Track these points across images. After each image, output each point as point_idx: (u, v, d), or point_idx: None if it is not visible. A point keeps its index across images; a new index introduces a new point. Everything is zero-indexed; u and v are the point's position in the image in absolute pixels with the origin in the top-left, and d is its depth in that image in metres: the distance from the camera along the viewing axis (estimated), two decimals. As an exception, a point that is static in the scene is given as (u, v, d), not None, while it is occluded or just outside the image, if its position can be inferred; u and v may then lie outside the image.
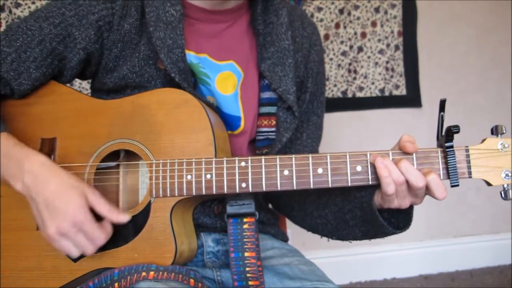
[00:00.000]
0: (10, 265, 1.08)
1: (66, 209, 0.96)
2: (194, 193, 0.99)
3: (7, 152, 1.02)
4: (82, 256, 1.02)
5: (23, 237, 1.07)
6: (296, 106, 1.15)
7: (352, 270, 2.59)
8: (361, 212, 1.03)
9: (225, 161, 0.98)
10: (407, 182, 0.92)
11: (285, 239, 1.28)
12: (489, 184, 0.94)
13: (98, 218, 0.99)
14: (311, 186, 0.96)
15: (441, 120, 0.95)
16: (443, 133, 0.93)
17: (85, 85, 2.12)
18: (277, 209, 1.30)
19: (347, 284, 2.56)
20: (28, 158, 1.01)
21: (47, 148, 1.09)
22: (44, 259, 1.05)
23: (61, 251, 0.99)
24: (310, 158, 0.96)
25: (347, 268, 2.57)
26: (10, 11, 2.08)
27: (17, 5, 2.09)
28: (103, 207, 0.99)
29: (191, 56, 1.11)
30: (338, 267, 2.51)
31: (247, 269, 1.02)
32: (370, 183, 0.95)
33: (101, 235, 0.98)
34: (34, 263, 1.06)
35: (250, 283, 1.02)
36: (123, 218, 1.00)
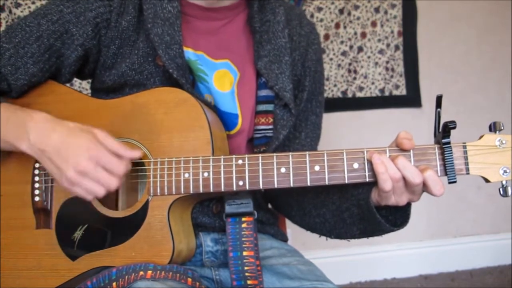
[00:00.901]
0: (10, 264, 1.08)
1: (78, 147, 0.95)
2: (191, 191, 0.99)
3: (8, 118, 1.03)
4: (80, 255, 1.02)
5: (22, 236, 1.07)
6: (293, 103, 1.15)
7: (352, 270, 2.59)
8: (359, 210, 1.03)
9: (222, 159, 0.99)
10: (404, 178, 0.92)
11: (284, 239, 1.28)
12: (487, 180, 0.93)
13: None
14: (308, 184, 0.96)
15: (438, 117, 0.94)
16: (440, 130, 0.93)
17: (85, 85, 2.12)
18: (276, 208, 1.30)
19: (347, 284, 2.56)
20: (30, 117, 1.01)
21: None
22: (43, 258, 1.06)
23: (87, 196, 0.98)
24: (307, 155, 0.96)
25: (347, 268, 2.57)
26: (10, 11, 2.09)
27: (17, 5, 2.10)
28: (113, 144, 0.98)
29: (189, 52, 1.11)
30: (338, 267, 2.51)
31: (246, 268, 1.02)
32: (367, 180, 0.95)
33: (121, 166, 0.96)
34: (33, 262, 1.06)
35: (248, 282, 1.02)
36: (135, 154, 0.99)
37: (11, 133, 1.02)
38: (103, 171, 0.96)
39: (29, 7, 2.11)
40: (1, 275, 1.07)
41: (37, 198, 1.08)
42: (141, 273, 0.94)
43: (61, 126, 0.99)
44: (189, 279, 0.97)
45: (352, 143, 2.51)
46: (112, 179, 0.96)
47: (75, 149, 0.95)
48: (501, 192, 0.92)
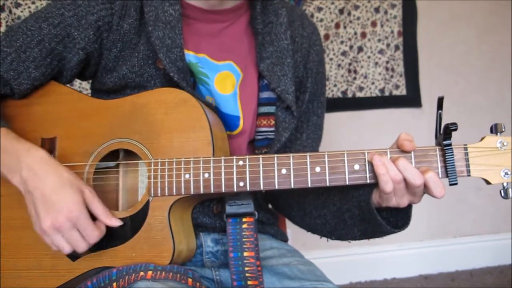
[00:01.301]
0: (10, 264, 1.08)
1: (62, 204, 0.96)
2: (192, 192, 0.99)
3: (5, 147, 1.02)
4: (81, 255, 1.02)
5: (23, 236, 1.07)
6: (295, 106, 1.15)
7: (352, 270, 2.59)
8: (359, 211, 1.02)
9: (223, 160, 0.98)
10: (405, 180, 0.91)
11: (284, 239, 1.28)
12: (488, 182, 0.93)
13: (93, 218, 1.00)
14: (309, 185, 0.96)
15: (439, 118, 0.94)
16: (441, 131, 0.93)
17: (85, 85, 2.12)
18: (276, 209, 1.30)
19: (347, 284, 2.56)
20: (27, 152, 1.01)
21: (47, 147, 1.09)
22: (43, 258, 1.05)
23: (53, 247, 1.00)
24: (308, 156, 0.96)
25: (347, 268, 2.57)
26: (10, 11, 2.09)
27: (17, 5, 2.10)
28: (98, 207, 0.99)
29: (190, 55, 1.11)
30: (338, 267, 2.51)
31: (246, 268, 1.02)
32: (368, 181, 0.95)
33: (95, 233, 0.98)
34: (33, 262, 1.06)
35: (249, 283, 1.02)
36: (115, 222, 1.00)
37: (5, 163, 1.02)
38: (76, 233, 0.97)
39: (29, 7, 2.11)
40: (1, 275, 1.07)
41: None
42: (142, 273, 0.94)
43: (53, 174, 0.99)
44: (190, 280, 0.97)
45: (352, 143, 2.51)
46: (82, 243, 0.98)
47: (59, 204, 0.96)
48: (502, 194, 0.92)
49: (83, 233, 0.97)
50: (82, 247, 0.98)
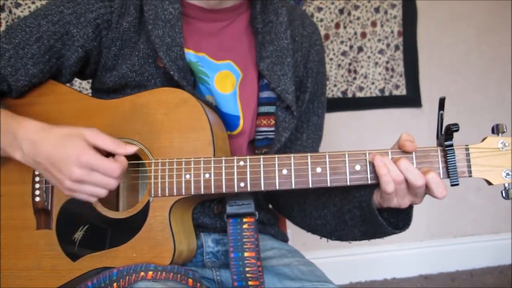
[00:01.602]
0: (10, 264, 1.08)
1: (68, 156, 0.95)
2: (192, 193, 0.99)
3: (1, 126, 1.03)
4: (81, 255, 1.02)
5: (23, 236, 1.07)
6: (295, 105, 1.14)
7: (352, 270, 2.59)
8: (360, 212, 1.02)
9: (223, 161, 0.98)
10: (406, 181, 0.91)
11: (285, 239, 1.28)
12: (489, 183, 0.93)
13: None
14: (310, 186, 0.95)
15: (440, 119, 0.94)
16: (443, 132, 0.93)
17: (85, 85, 2.12)
18: (277, 209, 1.29)
19: (347, 284, 2.56)
20: (21, 126, 1.01)
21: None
22: (43, 258, 1.05)
23: (90, 199, 0.99)
24: (309, 157, 0.96)
25: (347, 268, 2.57)
26: (10, 11, 2.09)
27: (17, 5, 2.10)
28: (105, 142, 0.98)
29: (190, 54, 1.11)
30: (338, 267, 2.51)
31: (247, 269, 1.02)
32: (369, 182, 0.95)
33: (114, 166, 0.96)
34: (34, 263, 1.06)
35: (249, 283, 1.02)
36: (129, 149, 0.99)
37: (4, 142, 1.03)
38: (98, 174, 0.96)
39: (29, 7, 2.11)
40: (2, 275, 1.07)
41: (37, 199, 1.07)
42: (142, 273, 0.94)
43: (51, 135, 0.99)
44: (190, 280, 0.97)
45: (352, 143, 2.51)
46: (110, 180, 0.96)
47: (65, 159, 0.96)
48: (503, 195, 0.92)
49: (104, 172, 0.96)
50: (112, 183, 0.97)
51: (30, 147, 0.99)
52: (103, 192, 0.97)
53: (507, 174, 0.92)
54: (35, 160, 0.99)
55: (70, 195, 0.99)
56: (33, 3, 2.11)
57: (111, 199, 1.09)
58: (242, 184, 0.97)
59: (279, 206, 1.27)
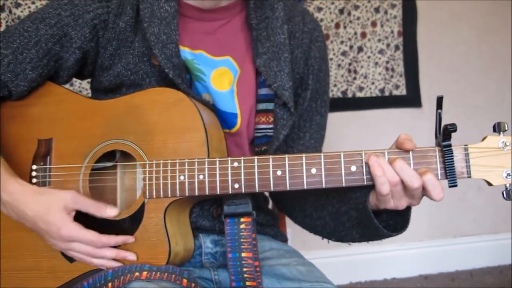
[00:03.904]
0: (9, 265, 1.08)
1: (50, 230, 1.00)
2: (187, 194, 0.98)
3: None
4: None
5: (21, 237, 1.07)
6: (292, 102, 1.12)
7: (352, 270, 2.58)
8: (357, 214, 1.01)
9: (217, 162, 0.98)
10: (402, 182, 0.90)
11: (284, 239, 1.27)
12: (489, 184, 0.91)
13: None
14: (305, 187, 0.94)
15: (438, 118, 0.92)
16: (441, 132, 0.91)
17: (85, 85, 2.12)
18: (279, 209, 1.29)
19: (347, 284, 2.56)
20: (4, 188, 1.02)
21: (44, 149, 1.09)
22: (41, 259, 1.06)
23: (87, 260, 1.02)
24: (304, 158, 0.95)
25: (347, 268, 2.57)
26: (10, 11, 2.08)
27: (17, 5, 2.09)
28: (88, 206, 1.01)
29: (186, 52, 1.11)
30: (338, 267, 2.51)
31: (244, 269, 1.02)
32: (365, 183, 0.93)
33: (96, 238, 0.99)
34: (32, 264, 1.06)
35: (247, 283, 1.02)
36: (110, 212, 1.01)
37: None
38: (81, 244, 1.00)
39: (29, 7, 2.10)
40: (1, 276, 1.07)
41: None
42: (136, 274, 0.94)
43: (31, 204, 1.01)
44: (185, 280, 0.97)
45: (352, 143, 2.50)
46: (92, 249, 1.00)
47: (48, 231, 1.00)
48: (504, 196, 0.90)
49: (85, 243, 1.00)
50: (94, 252, 1.00)
51: (15, 211, 1.02)
52: (90, 260, 1.01)
53: (508, 174, 0.89)
54: (21, 222, 1.03)
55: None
56: (33, 3, 2.11)
57: (110, 199, 1.08)
58: (236, 186, 0.97)
59: (281, 206, 1.27)
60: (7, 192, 1.02)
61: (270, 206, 1.33)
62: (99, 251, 1.00)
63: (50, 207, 0.99)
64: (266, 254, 1.16)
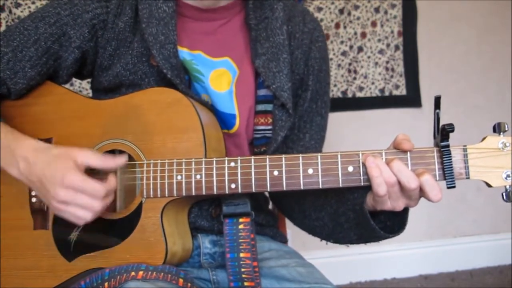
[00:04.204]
0: (9, 264, 1.08)
1: (54, 177, 0.96)
2: (184, 194, 0.98)
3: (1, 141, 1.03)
4: (77, 255, 1.03)
5: (21, 236, 1.07)
6: (291, 103, 1.12)
7: (352, 270, 2.58)
8: (354, 215, 1.01)
9: (214, 162, 0.98)
10: (399, 183, 0.89)
11: (283, 240, 1.27)
12: (489, 185, 0.90)
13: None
14: (301, 187, 0.94)
15: (437, 118, 0.91)
16: (439, 132, 0.90)
17: (85, 85, 2.12)
18: (279, 210, 1.29)
19: (347, 284, 2.56)
20: (19, 144, 1.02)
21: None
22: (41, 258, 1.06)
23: (75, 221, 0.98)
24: (300, 158, 0.94)
25: (347, 268, 2.57)
26: (10, 11, 2.09)
27: (17, 5, 2.10)
28: (96, 160, 0.98)
29: (184, 52, 1.11)
30: (338, 267, 2.51)
31: (243, 269, 1.02)
32: (362, 184, 0.92)
33: (100, 187, 0.96)
34: (32, 263, 1.06)
35: (245, 284, 1.02)
36: (119, 161, 0.99)
37: (3, 157, 1.03)
38: (83, 196, 0.96)
39: (29, 7, 2.11)
40: (1, 275, 1.07)
41: (34, 199, 1.08)
42: (133, 273, 0.94)
43: (43, 156, 0.99)
44: (181, 280, 0.96)
45: (352, 143, 2.51)
46: (94, 202, 0.96)
47: (52, 180, 0.96)
48: (504, 197, 0.89)
49: (88, 193, 0.96)
50: (96, 205, 0.96)
51: (26, 165, 1.00)
52: (88, 215, 0.97)
53: (508, 175, 0.88)
54: (29, 179, 1.00)
55: (59, 215, 0.99)
56: (33, 3, 2.11)
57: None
58: (233, 186, 0.96)
59: (281, 207, 1.27)
60: (23, 148, 1.01)
61: (270, 206, 1.33)
62: (97, 203, 0.96)
63: (60, 157, 0.98)
64: (266, 255, 1.16)
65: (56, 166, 0.97)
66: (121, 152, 1.06)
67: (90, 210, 0.96)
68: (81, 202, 0.96)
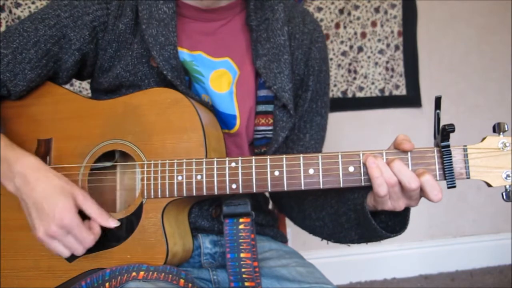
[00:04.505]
0: (9, 264, 1.08)
1: (53, 212, 0.97)
2: (184, 194, 0.98)
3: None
4: (77, 256, 1.02)
5: (20, 237, 1.07)
6: (292, 104, 1.12)
7: (352, 270, 2.58)
8: (355, 215, 1.01)
9: (215, 162, 0.97)
10: (400, 183, 0.89)
11: (284, 240, 1.27)
12: (489, 185, 0.90)
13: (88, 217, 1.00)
14: (302, 187, 0.94)
15: (437, 118, 0.91)
16: (439, 132, 0.90)
17: (85, 85, 2.12)
18: (279, 210, 1.29)
19: (347, 284, 2.56)
20: (19, 160, 1.02)
21: (43, 149, 1.09)
22: (40, 259, 1.06)
23: (53, 252, 1.01)
24: (301, 158, 0.94)
25: (347, 268, 2.57)
26: (10, 11, 2.08)
27: (17, 5, 2.09)
28: (92, 209, 1.00)
29: (184, 53, 1.10)
30: (338, 267, 2.51)
31: (243, 270, 1.02)
32: (363, 184, 0.92)
33: (90, 237, 0.99)
34: (31, 263, 1.06)
35: (246, 284, 1.02)
36: (111, 223, 1.00)
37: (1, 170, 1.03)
38: (71, 238, 0.99)
39: (29, 7, 2.10)
40: (1, 275, 1.07)
41: None
42: (134, 274, 0.94)
43: (44, 181, 1.00)
44: (182, 280, 0.96)
45: (352, 143, 2.51)
46: (79, 247, 0.99)
47: (50, 212, 0.97)
48: (504, 197, 0.89)
49: (78, 238, 0.98)
50: (79, 250, 1.00)
51: (22, 184, 1.00)
52: (67, 253, 1.00)
53: (508, 175, 0.88)
54: (23, 199, 1.00)
55: (40, 241, 1.00)
56: (33, 3, 2.11)
57: (109, 199, 1.08)
58: (234, 186, 0.96)
59: (281, 207, 1.27)
60: (23, 165, 1.01)
61: (270, 206, 1.33)
62: (81, 249, 1.00)
63: (62, 192, 0.98)
64: (266, 255, 1.16)
65: (56, 202, 0.98)
66: (122, 152, 1.07)
67: (72, 251, 1.00)
68: (68, 243, 0.99)
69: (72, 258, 1.03)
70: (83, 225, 0.98)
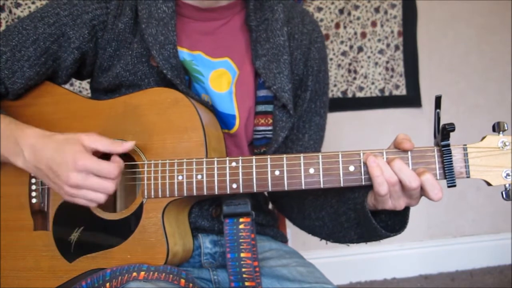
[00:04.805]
0: (9, 265, 1.08)
1: (66, 162, 0.94)
2: (185, 194, 0.98)
3: (4, 132, 1.03)
4: (77, 256, 1.03)
5: (21, 237, 1.07)
6: (291, 104, 1.12)
7: (352, 270, 2.59)
8: (355, 214, 1.01)
9: (215, 162, 0.97)
10: (400, 182, 0.89)
11: (284, 240, 1.27)
12: (489, 184, 0.90)
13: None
14: (303, 187, 0.94)
15: (437, 118, 0.91)
16: (439, 131, 0.90)
17: (85, 85, 2.12)
18: (279, 210, 1.29)
19: (347, 284, 2.56)
20: (23, 132, 1.01)
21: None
22: (41, 259, 1.06)
23: (90, 204, 0.98)
24: (302, 158, 0.94)
25: (347, 268, 2.57)
26: (10, 11, 2.09)
27: (17, 5, 2.10)
28: (103, 143, 0.97)
29: (184, 53, 1.10)
30: (338, 267, 2.51)
31: (243, 269, 1.02)
32: (363, 183, 0.92)
33: (113, 168, 0.95)
34: (32, 264, 1.06)
35: (246, 283, 1.02)
36: (127, 145, 0.98)
37: (6, 148, 1.03)
38: (96, 178, 0.95)
39: (29, 7, 2.11)
40: (1, 276, 1.07)
41: (34, 200, 1.08)
42: (134, 274, 0.94)
43: (51, 143, 0.98)
44: (182, 280, 0.96)
45: (352, 143, 2.51)
46: (107, 183, 0.95)
47: (63, 164, 0.95)
48: (504, 196, 0.89)
49: (102, 174, 0.95)
50: (110, 186, 0.96)
51: (31, 153, 0.99)
52: (101, 197, 0.96)
53: (507, 174, 0.89)
54: (36, 166, 0.99)
55: (70, 201, 0.98)
56: (33, 3, 2.11)
57: (109, 199, 1.08)
58: (234, 186, 0.96)
59: (280, 207, 1.27)
60: (30, 136, 1.00)
61: (270, 206, 1.33)
62: (111, 184, 0.95)
63: (68, 142, 0.97)
64: (266, 255, 1.16)
65: (66, 151, 0.95)
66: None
67: (103, 191, 0.96)
68: (94, 184, 0.95)
69: (73, 257, 1.03)
70: (100, 160, 0.95)
